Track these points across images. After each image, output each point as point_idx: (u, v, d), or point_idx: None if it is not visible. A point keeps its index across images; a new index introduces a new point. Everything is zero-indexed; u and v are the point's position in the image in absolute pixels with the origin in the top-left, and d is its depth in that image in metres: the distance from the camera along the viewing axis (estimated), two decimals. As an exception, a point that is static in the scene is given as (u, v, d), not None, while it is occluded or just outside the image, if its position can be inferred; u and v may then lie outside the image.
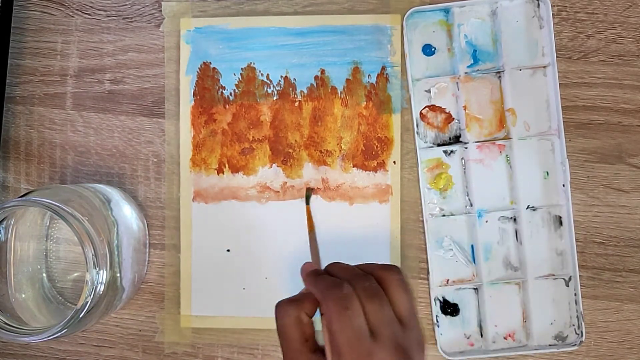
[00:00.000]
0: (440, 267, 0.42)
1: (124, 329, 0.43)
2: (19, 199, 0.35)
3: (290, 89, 0.43)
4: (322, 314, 0.34)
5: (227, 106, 0.43)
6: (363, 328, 0.33)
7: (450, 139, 0.42)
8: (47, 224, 0.42)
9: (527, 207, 0.42)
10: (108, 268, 0.36)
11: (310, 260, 0.41)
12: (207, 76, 0.43)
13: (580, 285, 0.41)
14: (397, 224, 0.42)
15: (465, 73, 0.42)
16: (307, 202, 0.42)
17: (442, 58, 0.42)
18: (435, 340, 0.41)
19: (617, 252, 0.42)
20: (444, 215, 0.42)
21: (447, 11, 0.42)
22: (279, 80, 0.43)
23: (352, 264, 0.42)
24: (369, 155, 0.43)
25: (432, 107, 0.42)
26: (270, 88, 0.43)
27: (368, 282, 0.35)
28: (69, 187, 0.40)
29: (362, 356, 0.32)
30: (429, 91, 0.42)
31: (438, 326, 0.42)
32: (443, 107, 0.42)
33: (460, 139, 0.42)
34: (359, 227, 0.42)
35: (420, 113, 0.42)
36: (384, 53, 0.42)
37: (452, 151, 0.42)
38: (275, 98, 0.43)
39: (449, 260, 0.42)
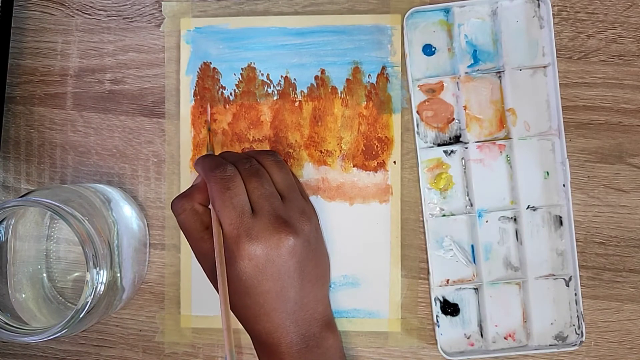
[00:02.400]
0: (440, 267, 0.42)
1: (124, 329, 0.43)
2: (19, 199, 0.35)
3: (291, 89, 0.43)
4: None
5: (227, 106, 0.43)
6: (244, 206, 0.35)
7: (450, 139, 0.42)
8: (48, 224, 0.42)
9: (528, 207, 0.42)
10: (108, 268, 0.36)
11: None
12: (207, 76, 0.43)
13: (581, 285, 0.41)
14: (397, 224, 0.42)
15: (466, 73, 0.42)
16: (209, 129, 0.43)
17: (442, 58, 0.42)
18: (436, 340, 0.41)
19: (618, 252, 0.42)
20: (444, 215, 0.42)
21: (447, 11, 0.42)
22: (279, 80, 0.43)
23: (352, 263, 0.42)
24: (369, 155, 0.42)
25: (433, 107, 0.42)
26: (270, 88, 0.43)
27: (249, 164, 0.37)
28: (69, 187, 0.40)
29: (243, 231, 0.35)
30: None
31: (438, 326, 0.42)
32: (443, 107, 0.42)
33: (461, 139, 0.42)
34: (359, 227, 0.42)
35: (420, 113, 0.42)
36: (384, 53, 0.42)
37: (452, 151, 0.42)
38: (275, 98, 0.43)
39: (449, 260, 0.42)
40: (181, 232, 0.43)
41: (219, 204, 0.35)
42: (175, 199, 0.38)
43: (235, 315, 0.37)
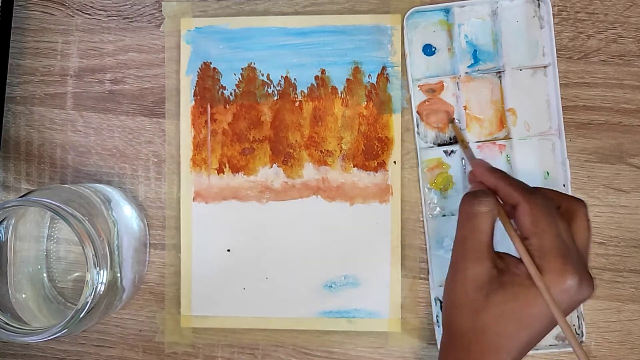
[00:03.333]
0: (440, 267, 0.42)
1: (124, 329, 0.43)
2: (19, 199, 0.35)
3: (291, 89, 0.43)
4: (513, 217, 0.33)
5: (227, 106, 0.43)
6: (563, 236, 0.32)
7: (450, 139, 0.42)
8: (48, 224, 0.42)
9: (528, 207, 0.42)
10: (108, 268, 0.36)
11: None
12: (207, 76, 0.43)
13: (581, 286, 0.41)
14: (397, 224, 0.42)
15: (466, 73, 0.42)
16: (452, 122, 0.41)
17: (442, 58, 0.42)
18: (436, 340, 0.41)
19: (618, 252, 0.42)
20: (444, 215, 0.42)
21: (447, 11, 0.42)
22: (279, 80, 0.43)
23: (352, 263, 0.42)
24: (370, 155, 0.42)
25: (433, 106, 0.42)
26: (270, 88, 0.43)
27: (553, 202, 0.34)
28: (69, 187, 0.40)
29: (565, 263, 0.31)
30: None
31: (438, 326, 0.42)
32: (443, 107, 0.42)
33: (461, 139, 0.42)
34: (359, 227, 0.42)
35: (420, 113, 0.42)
36: (384, 53, 0.42)
37: (452, 151, 0.42)
38: (275, 98, 0.43)
39: (449, 260, 0.42)
40: (182, 231, 0.43)
41: (545, 226, 0.32)
42: (477, 190, 0.34)
43: (462, 334, 0.33)
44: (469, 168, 0.42)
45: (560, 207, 0.34)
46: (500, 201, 0.35)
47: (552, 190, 0.35)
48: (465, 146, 0.41)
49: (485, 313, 0.32)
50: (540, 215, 0.32)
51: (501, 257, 0.34)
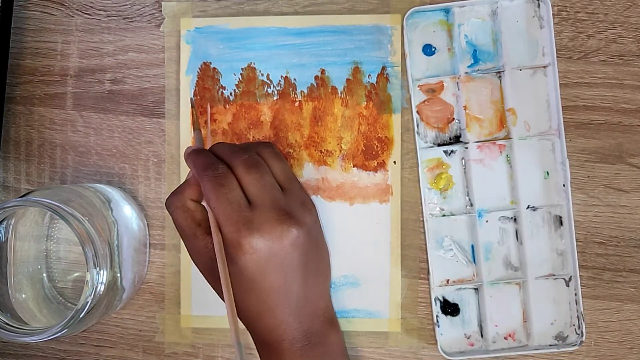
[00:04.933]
0: (440, 267, 0.42)
1: (124, 329, 0.43)
2: (19, 199, 0.35)
3: (291, 89, 0.43)
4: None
5: (227, 106, 0.43)
6: (240, 200, 0.34)
7: (450, 139, 0.42)
8: (48, 224, 0.42)
9: (528, 207, 0.42)
10: (108, 268, 0.36)
11: None
12: (207, 76, 0.43)
13: (581, 285, 0.41)
14: (397, 224, 0.42)
15: (466, 73, 0.42)
16: (193, 106, 0.42)
17: (442, 58, 0.42)
18: (436, 340, 0.41)
19: (618, 252, 0.42)
20: (444, 215, 0.42)
21: (447, 11, 0.42)
22: (279, 80, 0.43)
23: (352, 263, 0.42)
24: (369, 155, 0.42)
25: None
26: (270, 88, 0.43)
27: (247, 155, 0.36)
28: (69, 187, 0.40)
29: (242, 225, 0.34)
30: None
31: (438, 326, 0.42)
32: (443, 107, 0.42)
33: (461, 139, 0.42)
34: (359, 227, 0.42)
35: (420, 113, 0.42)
36: (384, 53, 0.42)
37: (452, 151, 0.42)
38: (275, 98, 0.43)
39: (449, 260, 0.42)
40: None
41: (214, 200, 0.34)
42: (168, 196, 0.37)
43: (238, 311, 0.37)
44: (466, 168, 0.42)
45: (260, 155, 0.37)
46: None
47: (246, 143, 0.38)
48: (195, 128, 0.40)
49: (234, 288, 0.35)
50: (207, 192, 0.35)
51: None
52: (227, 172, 0.35)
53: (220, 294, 0.36)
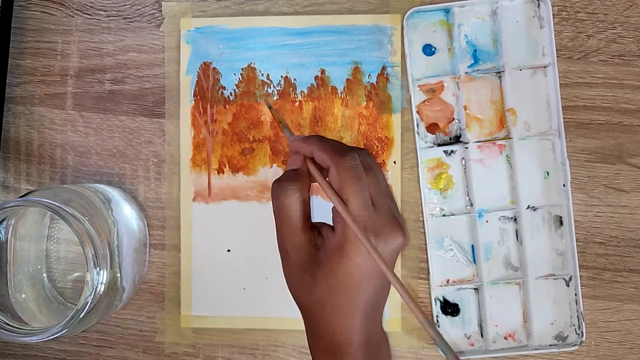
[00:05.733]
0: (440, 267, 0.42)
1: (125, 329, 0.43)
2: (19, 199, 0.35)
3: (291, 89, 0.43)
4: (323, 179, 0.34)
5: (227, 106, 0.43)
6: (369, 199, 0.34)
7: (450, 139, 0.42)
8: (48, 224, 0.42)
9: (528, 207, 0.42)
10: (108, 268, 0.36)
11: None
12: (207, 76, 0.43)
13: (581, 285, 0.41)
14: (398, 224, 0.42)
15: (466, 73, 0.42)
16: (270, 107, 0.41)
17: (442, 58, 0.42)
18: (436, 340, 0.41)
19: (618, 252, 0.42)
20: (444, 215, 0.42)
21: (447, 11, 0.42)
22: (279, 80, 0.43)
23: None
24: (369, 155, 0.42)
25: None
26: (270, 88, 0.43)
27: (363, 156, 0.35)
28: (69, 187, 0.40)
29: (369, 225, 0.33)
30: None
31: (438, 326, 0.42)
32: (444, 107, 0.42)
33: (461, 139, 0.42)
34: (359, 227, 0.42)
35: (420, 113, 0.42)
36: (384, 53, 0.42)
37: (452, 151, 0.42)
38: (275, 98, 0.43)
39: (449, 260, 0.42)
40: (182, 231, 0.43)
41: (351, 192, 0.33)
42: (281, 180, 0.35)
43: (307, 310, 0.35)
44: (466, 168, 0.42)
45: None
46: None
47: (344, 145, 0.36)
48: (284, 126, 0.40)
49: (317, 289, 0.34)
50: (346, 181, 0.33)
51: (319, 232, 0.35)
52: (360, 165, 0.34)
53: (300, 291, 0.35)
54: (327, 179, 0.35)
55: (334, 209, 0.34)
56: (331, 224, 0.35)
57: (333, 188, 0.34)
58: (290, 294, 0.36)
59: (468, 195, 0.42)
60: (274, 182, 0.35)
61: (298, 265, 0.35)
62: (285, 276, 0.36)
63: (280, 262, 0.36)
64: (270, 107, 0.41)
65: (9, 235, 0.39)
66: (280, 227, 0.35)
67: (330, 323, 0.34)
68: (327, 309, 0.34)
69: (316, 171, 0.35)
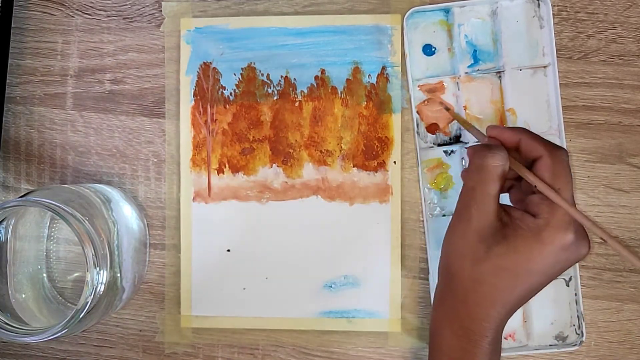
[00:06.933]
0: (440, 267, 0.42)
1: (124, 329, 0.43)
2: (19, 199, 0.35)
3: (291, 89, 0.43)
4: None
5: (227, 106, 0.43)
6: (573, 197, 0.34)
7: (450, 139, 0.42)
8: (48, 224, 0.42)
9: (528, 207, 0.42)
10: (108, 268, 0.36)
11: None
12: (207, 76, 0.43)
13: (581, 285, 0.41)
14: (397, 224, 0.42)
15: (466, 73, 0.42)
16: (447, 109, 0.41)
17: (442, 58, 0.42)
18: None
19: (618, 252, 0.42)
20: (444, 215, 0.42)
21: (447, 11, 0.42)
22: (279, 80, 0.43)
23: (352, 263, 0.42)
24: (369, 155, 0.42)
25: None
26: (270, 88, 0.43)
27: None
28: (69, 187, 0.40)
29: (570, 222, 0.33)
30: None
31: (438, 326, 0.41)
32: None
33: (461, 139, 0.42)
34: (359, 227, 0.42)
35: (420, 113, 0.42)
36: (384, 53, 0.42)
37: (452, 151, 0.42)
38: (275, 98, 0.43)
39: (449, 260, 0.42)
40: (182, 231, 0.43)
41: (565, 183, 0.33)
42: (492, 146, 0.34)
43: (460, 282, 0.34)
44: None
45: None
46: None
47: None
48: (470, 126, 0.39)
49: (485, 264, 0.33)
50: (562, 171, 0.33)
51: (506, 211, 0.34)
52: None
53: (465, 260, 0.34)
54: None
55: (527, 197, 0.34)
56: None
57: (536, 175, 0.33)
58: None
59: (468, 195, 0.42)
60: (476, 145, 0.35)
61: (477, 233, 0.33)
62: (449, 242, 0.35)
63: (450, 225, 0.35)
64: (447, 109, 0.41)
65: (9, 235, 0.39)
66: (473, 189, 0.34)
67: (476, 308, 0.33)
68: (484, 288, 0.33)
69: (520, 158, 0.35)
